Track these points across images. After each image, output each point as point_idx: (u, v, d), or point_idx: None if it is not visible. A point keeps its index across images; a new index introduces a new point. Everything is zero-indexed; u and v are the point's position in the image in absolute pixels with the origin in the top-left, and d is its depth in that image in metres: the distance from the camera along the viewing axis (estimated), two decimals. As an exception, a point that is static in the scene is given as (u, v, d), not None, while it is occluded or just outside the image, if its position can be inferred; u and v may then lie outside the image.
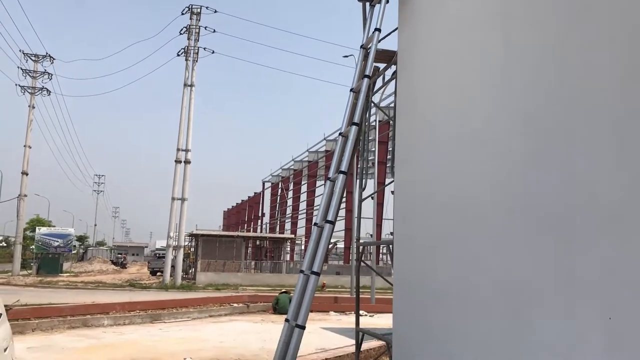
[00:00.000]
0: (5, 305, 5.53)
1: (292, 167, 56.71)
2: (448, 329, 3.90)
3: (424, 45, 5.18)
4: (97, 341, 12.12)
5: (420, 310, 4.41)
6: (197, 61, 33.60)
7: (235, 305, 20.20)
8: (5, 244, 79.06)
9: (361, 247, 7.26)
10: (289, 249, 51.94)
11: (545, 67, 3.16)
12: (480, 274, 3.51)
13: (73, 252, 58.73)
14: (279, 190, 62.55)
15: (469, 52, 4.17)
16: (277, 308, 19.26)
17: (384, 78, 7.21)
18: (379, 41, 5.42)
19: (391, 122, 9.07)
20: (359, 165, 11.06)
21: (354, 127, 4.94)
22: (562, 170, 2.83)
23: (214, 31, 34.31)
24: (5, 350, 4.92)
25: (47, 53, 43.52)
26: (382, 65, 6.70)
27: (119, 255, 76.52)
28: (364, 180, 7.04)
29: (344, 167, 4.89)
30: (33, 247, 47.35)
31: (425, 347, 4.23)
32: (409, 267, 4.68)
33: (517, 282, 3.11)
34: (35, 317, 13.99)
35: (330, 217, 4.90)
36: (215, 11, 34.54)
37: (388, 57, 6.29)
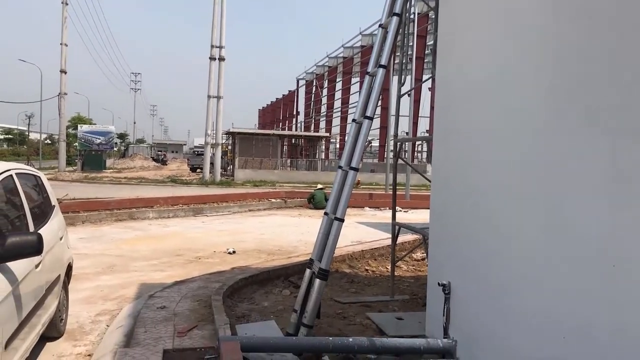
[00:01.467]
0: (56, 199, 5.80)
1: (326, 64, 55.64)
2: (485, 224, 3.93)
3: None
4: (143, 232, 12.76)
5: (457, 206, 4.43)
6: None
7: (273, 200, 20.79)
8: (49, 142, 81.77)
9: (398, 144, 7.22)
10: (323, 147, 52.31)
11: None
12: (524, 170, 3.46)
13: (114, 149, 60.44)
14: (313, 88, 61.93)
15: None
16: (313, 203, 19.77)
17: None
18: None
19: (431, 13, 8.67)
20: (397, 61, 10.72)
21: (394, 18, 4.73)
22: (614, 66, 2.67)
23: None
24: (61, 239, 5.22)
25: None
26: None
27: (159, 152, 78.43)
28: (403, 76, 6.86)
29: (383, 61, 4.75)
30: (76, 144, 48.81)
31: (463, 240, 4.30)
32: (449, 163, 4.64)
33: (563, 177, 3.06)
34: (84, 210, 14.72)
35: (368, 113, 4.85)
36: None
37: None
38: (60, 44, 41.06)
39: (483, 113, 3.95)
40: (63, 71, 41.38)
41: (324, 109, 58.15)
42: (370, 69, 5.04)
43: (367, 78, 5.15)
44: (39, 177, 5.27)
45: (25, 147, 71.35)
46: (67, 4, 41.30)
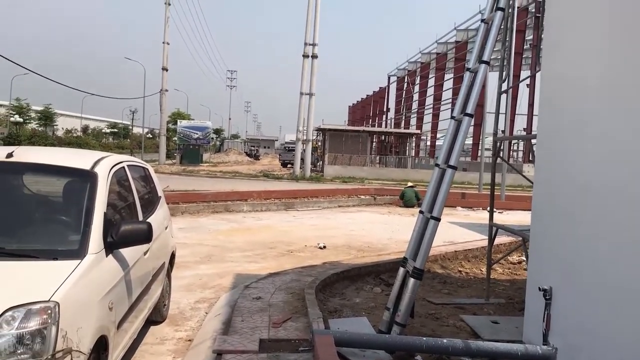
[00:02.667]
0: (161, 190, 6.13)
1: (419, 59, 54.77)
2: (594, 228, 3.72)
3: None
4: (238, 225, 13.22)
5: (563, 207, 4.22)
6: (323, -50, 32.50)
7: (363, 197, 20.81)
8: (150, 136, 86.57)
9: (497, 142, 6.99)
10: (414, 144, 51.56)
11: None
12: (636, 175, 3.24)
13: (211, 144, 62.91)
14: (405, 85, 61.18)
15: None
16: (404, 201, 19.57)
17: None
18: None
19: (530, 7, 8.31)
20: (495, 56, 10.33)
21: (498, 13, 4.58)
22: None
23: None
24: (166, 228, 5.52)
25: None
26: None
27: (252, 148, 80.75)
28: (504, 72, 6.62)
29: (486, 57, 4.61)
30: (175, 138, 51.30)
31: (567, 243, 4.10)
32: (554, 162, 4.43)
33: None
34: (183, 201, 15.46)
35: (469, 110, 4.73)
36: None
37: None
38: (163, 42, 43.26)
39: (596, 111, 3.74)
40: (165, 68, 43.58)
41: (415, 106, 57.31)
42: (471, 64, 4.91)
43: (467, 74, 5.03)
44: (147, 169, 5.59)
45: (128, 140, 75.99)
46: (169, 4, 43.45)
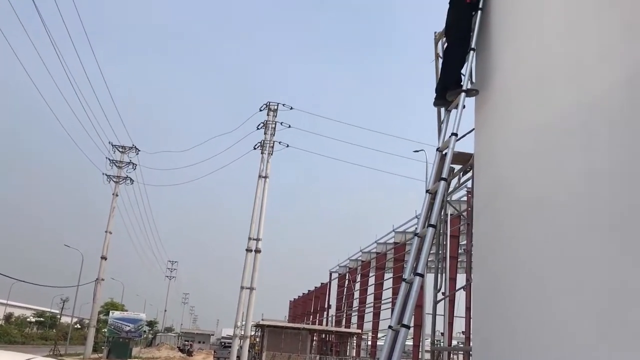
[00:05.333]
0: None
1: (359, 258, 56.11)
2: None
3: (500, 148, 5.23)
4: None
5: None
6: (272, 154, 34.98)
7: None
8: (79, 326, 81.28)
9: (435, 352, 7.00)
10: (355, 344, 50.37)
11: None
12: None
13: (142, 337, 59.51)
14: (346, 282, 61.67)
15: (546, 155, 4.19)
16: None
17: (459, 179, 7.25)
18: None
19: (462, 216, 8.97)
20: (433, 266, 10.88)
21: (430, 229, 4.95)
22: None
23: (289, 126, 35.88)
24: None
25: (133, 145, 46.64)
26: (457, 166, 6.77)
27: (186, 342, 76.72)
28: (439, 280, 6.91)
29: (420, 270, 4.85)
30: (105, 330, 48.41)
31: None
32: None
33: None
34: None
35: (405, 321, 4.82)
36: (292, 108, 36.27)
37: (464, 159, 6.37)
38: (105, 231, 43.10)
39: (527, 318, 3.91)
40: (104, 257, 42.78)
41: (356, 303, 57.20)
42: (406, 275, 5.14)
43: (403, 284, 5.22)
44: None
45: (54, 330, 70.91)
46: (117, 195, 44.25)
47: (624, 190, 3.19)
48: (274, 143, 35.12)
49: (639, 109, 3.16)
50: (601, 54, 3.65)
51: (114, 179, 44.92)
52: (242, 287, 33.86)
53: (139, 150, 47.06)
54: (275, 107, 35.55)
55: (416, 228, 5.83)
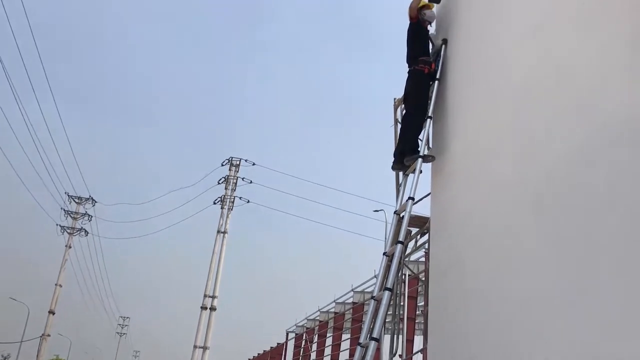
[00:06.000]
0: None
1: (317, 317, 55.31)
2: None
3: (455, 213, 5.36)
4: None
5: None
6: (232, 209, 34.68)
7: None
8: (19, 385, 76.43)
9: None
10: (310, 407, 48.83)
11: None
12: None
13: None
14: (303, 342, 60.34)
15: (499, 221, 4.31)
16: None
17: (416, 241, 7.35)
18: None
19: (419, 278, 9.03)
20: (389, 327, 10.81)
21: (386, 293, 4.96)
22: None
23: (251, 182, 35.83)
24: None
25: (90, 196, 45.62)
26: (415, 229, 6.87)
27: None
28: (395, 343, 6.86)
29: (376, 334, 4.83)
30: (47, 390, 45.70)
31: None
32: None
33: None
34: None
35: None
36: (254, 164, 36.32)
37: (421, 222, 6.48)
38: (55, 284, 41.38)
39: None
40: (51, 312, 40.87)
41: (312, 364, 55.85)
42: (362, 339, 5.10)
43: (358, 348, 5.17)
44: None
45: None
46: (70, 247, 42.83)
47: (577, 254, 3.30)
48: (234, 198, 34.91)
49: (587, 179, 3.31)
50: (550, 128, 3.85)
51: (68, 230, 43.57)
52: (195, 347, 32.69)
53: (96, 202, 46.02)
54: (238, 162, 35.59)
55: (374, 289, 5.84)
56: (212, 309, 33.28)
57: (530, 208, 3.88)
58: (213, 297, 33.51)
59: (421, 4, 6.29)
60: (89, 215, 45.13)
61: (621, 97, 3.10)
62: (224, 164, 35.57)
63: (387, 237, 5.91)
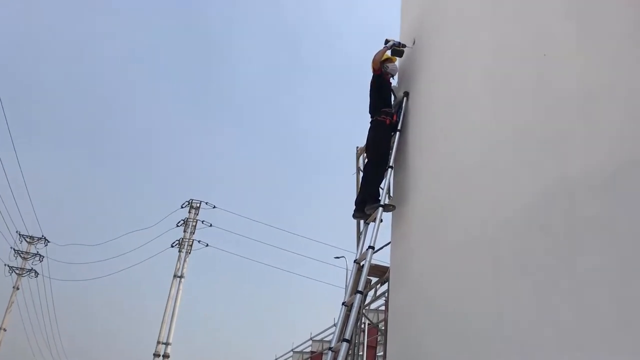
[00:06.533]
0: None
1: (275, 366, 54.01)
2: None
3: (415, 262, 5.37)
4: None
5: None
6: (190, 253, 33.96)
7: None
8: None
9: None
10: None
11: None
12: None
13: None
14: (260, 392, 58.63)
15: (458, 272, 4.33)
16: None
17: (376, 291, 7.31)
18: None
19: (378, 327, 8.95)
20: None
21: (344, 344, 4.87)
22: None
23: (211, 225, 35.29)
24: None
25: (42, 235, 44.07)
26: (375, 278, 6.84)
27: None
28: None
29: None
30: None
31: None
32: None
33: None
34: None
35: None
36: (214, 207, 35.89)
37: (381, 271, 6.47)
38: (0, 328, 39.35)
39: None
40: (-8, 358, 38.69)
41: (267, 416, 54.14)
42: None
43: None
44: None
45: None
46: (18, 289, 41.01)
47: (531, 304, 3.32)
48: (192, 242, 34.25)
49: (543, 230, 3.36)
50: (509, 183, 3.91)
51: (17, 271, 41.78)
52: (145, 396, 31.33)
53: (48, 242, 44.45)
54: (198, 204, 35.12)
55: (332, 339, 5.74)
56: (166, 356, 32.08)
57: (490, 258, 3.91)
58: (167, 344, 32.36)
59: (384, 57, 6.46)
60: (40, 256, 43.48)
61: (577, 151, 3.19)
62: (183, 206, 35.05)
63: (347, 284, 5.86)
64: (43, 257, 43.70)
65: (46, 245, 44.29)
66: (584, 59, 3.31)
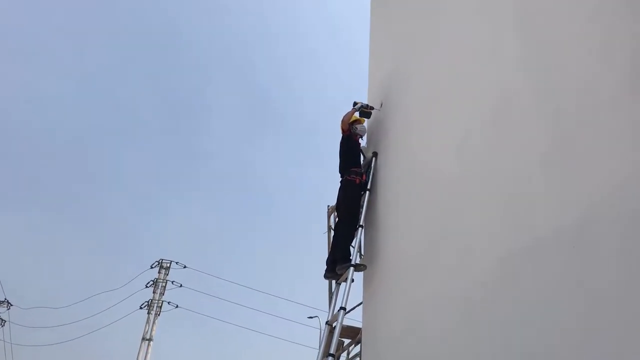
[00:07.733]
0: None
1: None
2: None
3: (387, 323, 5.32)
4: None
5: None
6: (159, 314, 32.97)
7: None
8: None
9: None
10: None
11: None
12: None
13: None
14: None
15: (430, 331, 4.30)
16: None
17: (348, 353, 7.17)
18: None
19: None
20: None
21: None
22: None
23: (181, 285, 34.48)
24: None
25: (5, 298, 42.37)
26: (347, 340, 6.73)
27: None
28: None
29: None
30: None
31: None
32: None
33: None
34: None
35: None
36: (185, 267, 35.18)
37: (353, 333, 6.37)
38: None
39: None
40: None
41: None
42: None
43: None
44: None
45: None
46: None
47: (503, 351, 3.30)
48: (162, 303, 33.32)
49: (516, 285, 3.38)
50: (478, 239, 3.96)
51: (-25, 338, 39.83)
52: None
53: (11, 305, 42.71)
54: (168, 264, 34.39)
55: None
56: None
57: (461, 315, 3.90)
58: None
59: (353, 118, 6.61)
60: (2, 320, 41.64)
61: (547, 204, 3.25)
62: (153, 266, 34.29)
63: (320, 346, 5.75)
64: (5, 321, 41.89)
65: (9, 308, 42.55)
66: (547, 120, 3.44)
